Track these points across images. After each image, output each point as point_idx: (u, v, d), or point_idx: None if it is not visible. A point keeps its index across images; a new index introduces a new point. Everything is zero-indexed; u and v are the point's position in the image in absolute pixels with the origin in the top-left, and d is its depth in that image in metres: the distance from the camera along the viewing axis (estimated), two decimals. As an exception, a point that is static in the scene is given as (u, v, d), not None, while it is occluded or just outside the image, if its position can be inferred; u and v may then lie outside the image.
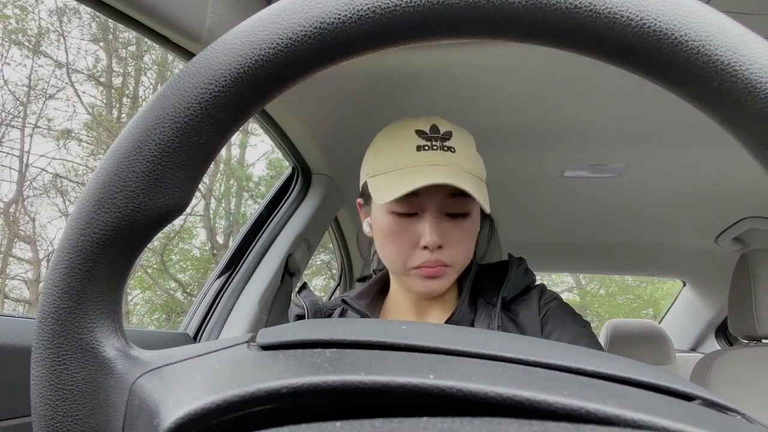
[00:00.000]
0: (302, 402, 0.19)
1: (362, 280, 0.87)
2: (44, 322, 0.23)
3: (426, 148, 0.66)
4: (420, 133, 0.68)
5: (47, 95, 6.93)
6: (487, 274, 0.77)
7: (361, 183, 0.75)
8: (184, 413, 0.18)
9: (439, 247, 0.66)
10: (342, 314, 0.78)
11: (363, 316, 0.73)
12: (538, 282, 0.78)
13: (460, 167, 0.65)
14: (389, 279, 0.79)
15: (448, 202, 0.67)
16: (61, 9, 6.81)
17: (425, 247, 0.66)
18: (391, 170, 0.66)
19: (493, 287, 0.74)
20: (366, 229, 0.76)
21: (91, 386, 0.23)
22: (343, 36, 0.21)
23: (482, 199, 0.64)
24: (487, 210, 0.64)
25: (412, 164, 0.65)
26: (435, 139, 0.67)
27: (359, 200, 0.77)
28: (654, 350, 1.90)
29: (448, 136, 0.68)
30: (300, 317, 0.76)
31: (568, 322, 0.71)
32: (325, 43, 0.21)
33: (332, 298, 0.84)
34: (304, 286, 0.79)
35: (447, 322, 0.71)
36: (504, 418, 0.16)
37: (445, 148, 0.67)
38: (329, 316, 0.78)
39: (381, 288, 0.81)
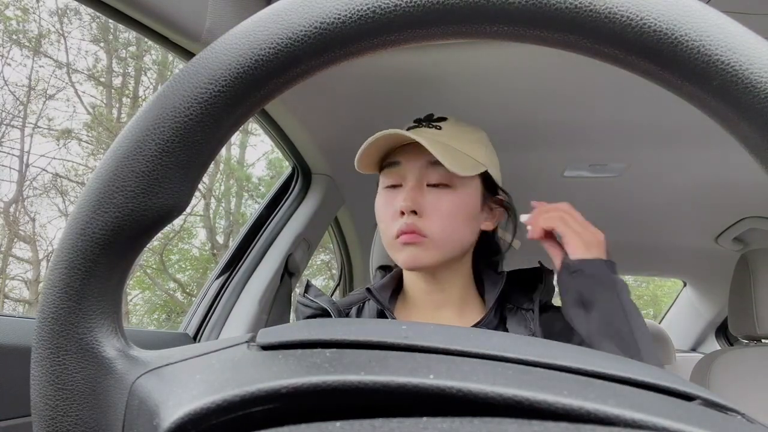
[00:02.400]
0: (302, 402, 0.19)
1: (382, 268, 0.86)
2: (44, 322, 0.23)
3: (413, 127, 0.72)
4: (415, 120, 0.73)
5: (47, 95, 6.94)
6: (513, 282, 0.76)
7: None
8: (184, 413, 0.18)
9: (414, 212, 0.67)
10: (362, 306, 0.78)
11: (382, 308, 0.73)
12: None
13: (441, 142, 0.68)
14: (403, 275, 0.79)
15: (428, 171, 0.69)
16: (61, 10, 6.81)
17: (402, 213, 0.68)
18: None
19: (521, 293, 0.74)
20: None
21: (91, 386, 0.23)
22: (343, 36, 0.21)
23: (455, 164, 0.65)
24: (454, 170, 0.65)
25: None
26: (426, 122, 0.72)
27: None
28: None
29: (441, 120, 0.72)
30: (311, 318, 0.75)
31: None
32: (325, 44, 0.21)
33: (350, 293, 0.84)
34: (309, 285, 0.78)
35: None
36: (504, 418, 0.16)
37: (432, 126, 0.71)
38: (348, 312, 0.77)
39: (396, 285, 0.80)
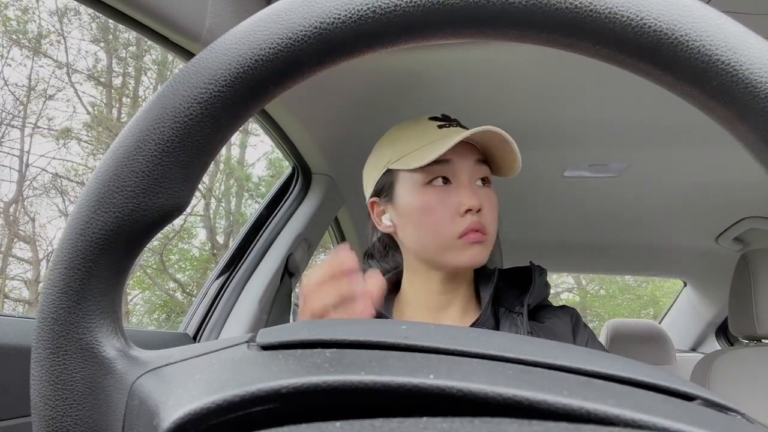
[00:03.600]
0: (302, 402, 0.19)
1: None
2: (44, 322, 0.23)
3: (447, 125, 0.71)
4: (435, 119, 0.73)
5: (47, 95, 6.94)
6: (505, 281, 0.76)
7: (375, 179, 0.75)
8: (184, 413, 0.18)
9: (478, 210, 0.68)
10: None
11: (379, 315, 0.72)
12: None
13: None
14: (400, 279, 0.79)
15: (477, 168, 0.71)
16: (61, 10, 6.81)
17: (467, 212, 0.67)
18: (417, 148, 0.69)
19: (513, 295, 0.74)
20: (387, 223, 0.75)
21: (91, 386, 0.23)
22: (342, 36, 0.21)
23: (516, 167, 0.71)
24: (513, 174, 0.71)
25: (438, 138, 0.69)
26: (451, 122, 0.73)
27: (373, 199, 0.76)
28: (654, 350, 1.90)
29: (460, 122, 0.74)
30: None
31: None
32: (324, 44, 0.21)
33: None
34: None
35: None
36: (504, 418, 0.16)
37: (463, 127, 0.72)
38: None
39: (392, 288, 0.80)
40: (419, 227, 0.70)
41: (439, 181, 0.69)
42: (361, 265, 0.85)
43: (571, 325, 0.73)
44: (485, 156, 0.73)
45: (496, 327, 0.72)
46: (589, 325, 0.75)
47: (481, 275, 0.77)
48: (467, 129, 0.71)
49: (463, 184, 0.69)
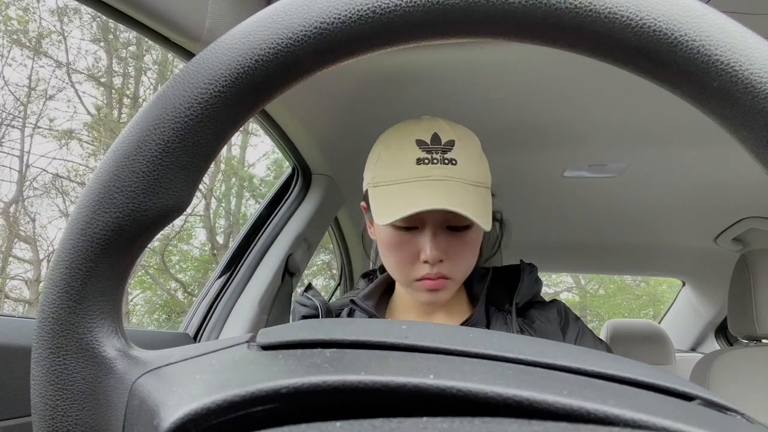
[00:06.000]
0: (302, 402, 0.19)
1: (366, 276, 0.86)
2: (44, 322, 0.23)
3: (426, 161, 0.64)
4: (420, 143, 0.66)
5: (47, 96, 6.94)
6: (496, 280, 0.76)
7: (364, 186, 0.75)
8: (184, 413, 0.18)
9: (440, 261, 0.66)
10: (350, 314, 0.77)
11: (371, 316, 0.73)
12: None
13: (461, 181, 0.64)
14: (394, 280, 0.79)
15: (449, 215, 0.64)
16: (62, 9, 6.81)
17: (426, 261, 0.66)
18: (391, 183, 0.65)
19: (503, 294, 0.74)
20: (371, 230, 0.76)
21: (91, 386, 0.23)
22: (342, 36, 0.21)
23: (482, 214, 0.63)
24: (486, 228, 0.63)
25: (412, 178, 0.64)
26: (435, 150, 0.65)
27: (363, 203, 0.77)
28: (654, 350, 1.90)
29: (449, 146, 0.66)
30: (307, 318, 0.75)
31: (590, 345, 0.71)
32: (324, 44, 0.21)
33: (339, 298, 0.84)
34: (309, 286, 0.78)
35: None
36: (504, 418, 0.16)
37: (446, 161, 0.65)
38: (338, 316, 0.77)
39: (386, 289, 0.80)
40: (385, 258, 0.70)
41: (405, 224, 0.66)
42: (372, 264, 0.85)
43: (559, 322, 0.73)
44: None
45: (488, 325, 0.72)
46: (588, 325, 0.76)
47: (474, 274, 0.77)
48: (452, 163, 0.64)
49: (428, 232, 0.65)
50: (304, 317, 0.75)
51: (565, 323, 0.73)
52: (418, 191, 0.62)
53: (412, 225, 0.67)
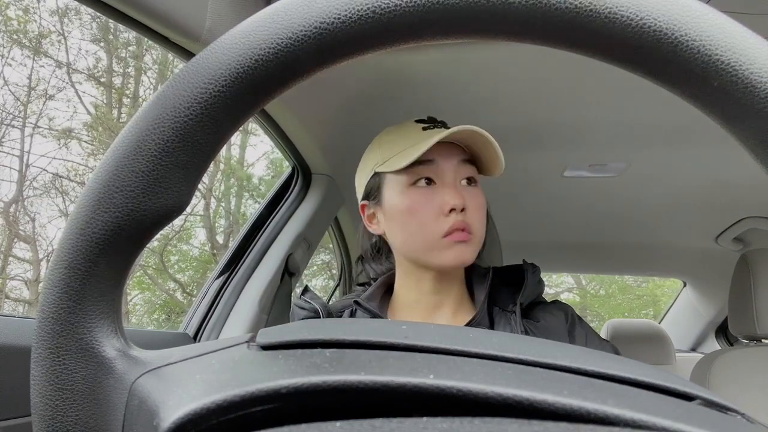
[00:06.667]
0: (302, 402, 0.19)
1: (362, 285, 0.87)
2: (44, 322, 0.23)
3: (431, 127, 0.72)
4: (420, 121, 0.73)
5: (48, 95, 6.94)
6: (499, 280, 0.76)
7: (364, 183, 0.75)
8: (184, 413, 0.18)
9: (462, 210, 0.68)
10: (352, 315, 0.77)
11: (375, 316, 0.73)
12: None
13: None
14: (392, 281, 0.79)
15: (462, 168, 0.71)
16: (62, 10, 6.82)
17: (451, 211, 0.67)
18: (401, 150, 0.70)
19: (506, 294, 0.74)
20: (376, 226, 0.76)
21: (90, 386, 0.23)
22: (342, 36, 0.21)
23: (498, 167, 0.71)
24: (499, 170, 0.71)
25: (422, 139, 0.69)
26: (436, 122, 0.73)
27: (363, 203, 0.77)
28: (654, 350, 1.90)
29: (446, 123, 0.74)
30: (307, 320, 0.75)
31: (597, 347, 0.72)
32: (324, 44, 0.21)
33: (339, 300, 0.84)
34: (306, 288, 0.79)
35: None
36: (504, 418, 0.16)
37: (448, 127, 0.72)
38: (341, 313, 0.77)
39: (386, 291, 0.80)
40: (405, 228, 0.71)
41: (423, 182, 0.70)
42: (356, 268, 0.86)
43: (566, 323, 0.73)
44: (471, 156, 0.73)
45: (491, 326, 0.72)
46: (589, 325, 0.75)
47: (475, 274, 0.77)
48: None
49: (447, 184, 0.69)
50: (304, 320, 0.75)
51: (572, 326, 0.73)
52: (431, 138, 0.67)
53: (430, 177, 0.70)
